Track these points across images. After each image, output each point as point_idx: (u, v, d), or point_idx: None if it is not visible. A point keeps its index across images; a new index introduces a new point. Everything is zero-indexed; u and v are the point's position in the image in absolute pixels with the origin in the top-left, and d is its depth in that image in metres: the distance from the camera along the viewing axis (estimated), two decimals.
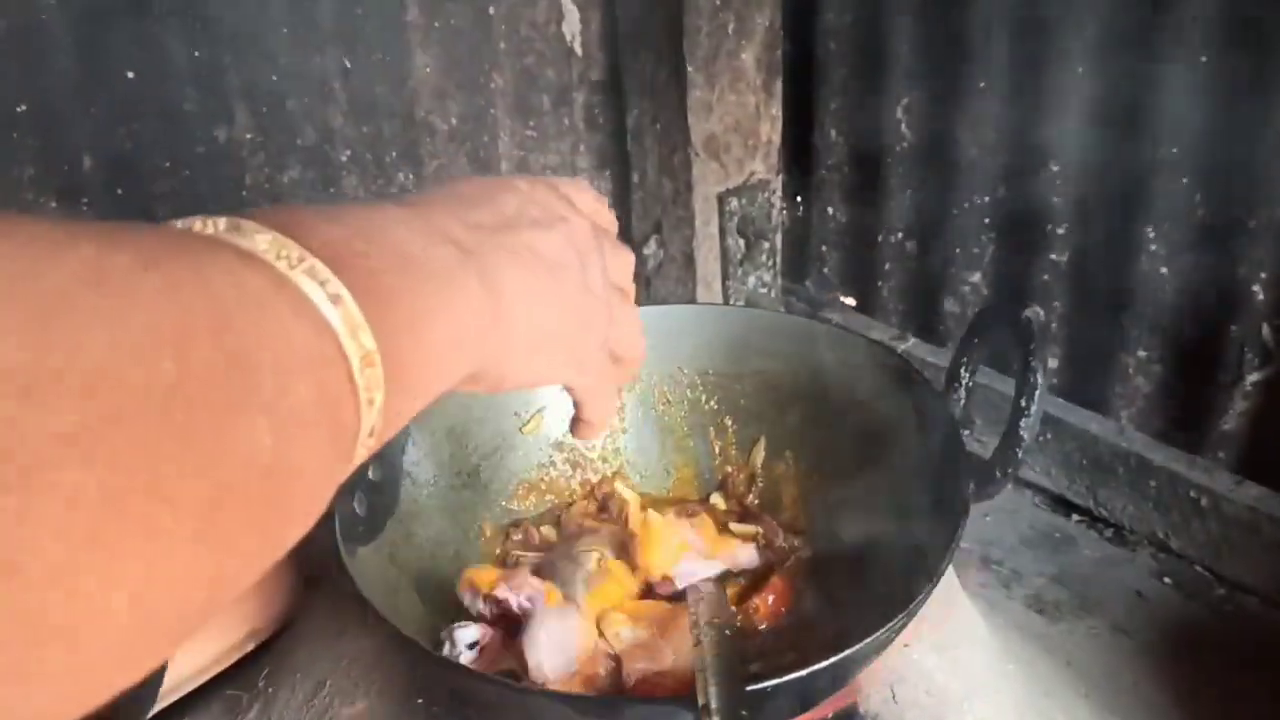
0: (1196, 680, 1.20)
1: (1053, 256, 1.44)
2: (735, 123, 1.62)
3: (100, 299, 0.32)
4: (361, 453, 0.43)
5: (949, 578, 1.08)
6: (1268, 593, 1.29)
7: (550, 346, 0.58)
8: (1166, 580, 1.34)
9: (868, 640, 0.74)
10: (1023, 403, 0.82)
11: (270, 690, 1.02)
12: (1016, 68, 1.40)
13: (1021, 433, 0.82)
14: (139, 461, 0.32)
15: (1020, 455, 0.82)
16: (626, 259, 0.68)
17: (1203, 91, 1.23)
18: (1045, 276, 1.46)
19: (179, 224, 0.41)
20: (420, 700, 0.92)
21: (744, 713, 0.66)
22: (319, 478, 0.40)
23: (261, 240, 0.40)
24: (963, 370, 0.93)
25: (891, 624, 0.75)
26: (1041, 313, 0.84)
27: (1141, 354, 1.39)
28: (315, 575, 1.11)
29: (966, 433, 0.92)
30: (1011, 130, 1.44)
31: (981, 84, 1.44)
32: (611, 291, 0.64)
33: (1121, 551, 1.39)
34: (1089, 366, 1.46)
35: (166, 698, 1.11)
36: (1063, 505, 1.47)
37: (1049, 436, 1.46)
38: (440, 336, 0.47)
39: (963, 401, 0.93)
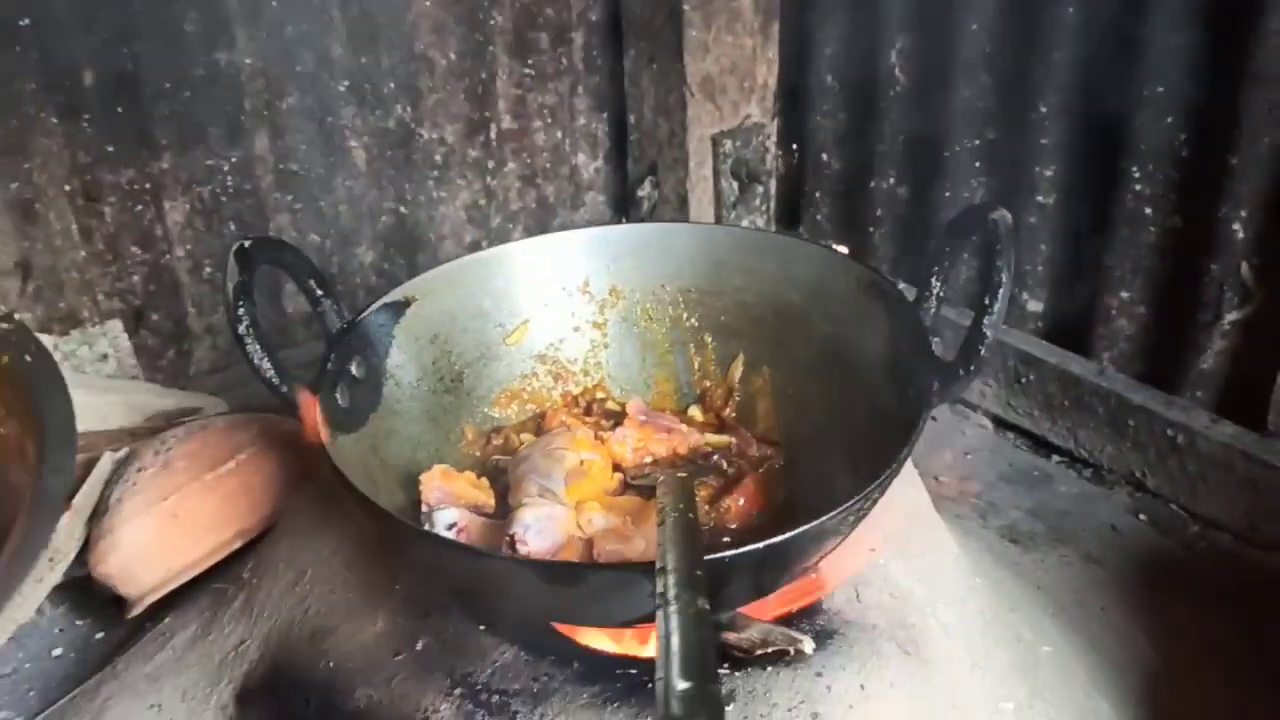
0: (1166, 610, 1.22)
1: (1039, 199, 1.45)
2: (731, 64, 1.64)
3: None
4: None
5: (919, 496, 1.10)
6: (1240, 529, 1.31)
7: None
8: (1141, 517, 1.36)
9: (820, 520, 0.76)
10: (986, 300, 0.84)
11: (254, 581, 1.05)
12: (1007, 9, 1.42)
13: (985, 330, 0.84)
14: None
15: (984, 352, 0.84)
16: None
17: (1189, 29, 1.25)
18: (1032, 219, 1.47)
19: None
20: (397, 587, 0.95)
21: (699, 573, 0.68)
22: None
23: None
24: (934, 279, 0.95)
25: (845, 507, 0.78)
26: (1009, 216, 0.86)
27: (1124, 295, 1.40)
28: (301, 477, 1.14)
29: (936, 340, 0.94)
30: (1001, 72, 1.45)
31: (974, 26, 1.45)
32: None
33: (1099, 489, 1.41)
34: (1073, 308, 1.48)
35: (156, 592, 1.14)
36: (1044, 446, 1.49)
37: (1031, 378, 1.48)
38: None
39: (934, 310, 0.95)
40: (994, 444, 1.52)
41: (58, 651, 1.21)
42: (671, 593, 0.66)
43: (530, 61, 1.68)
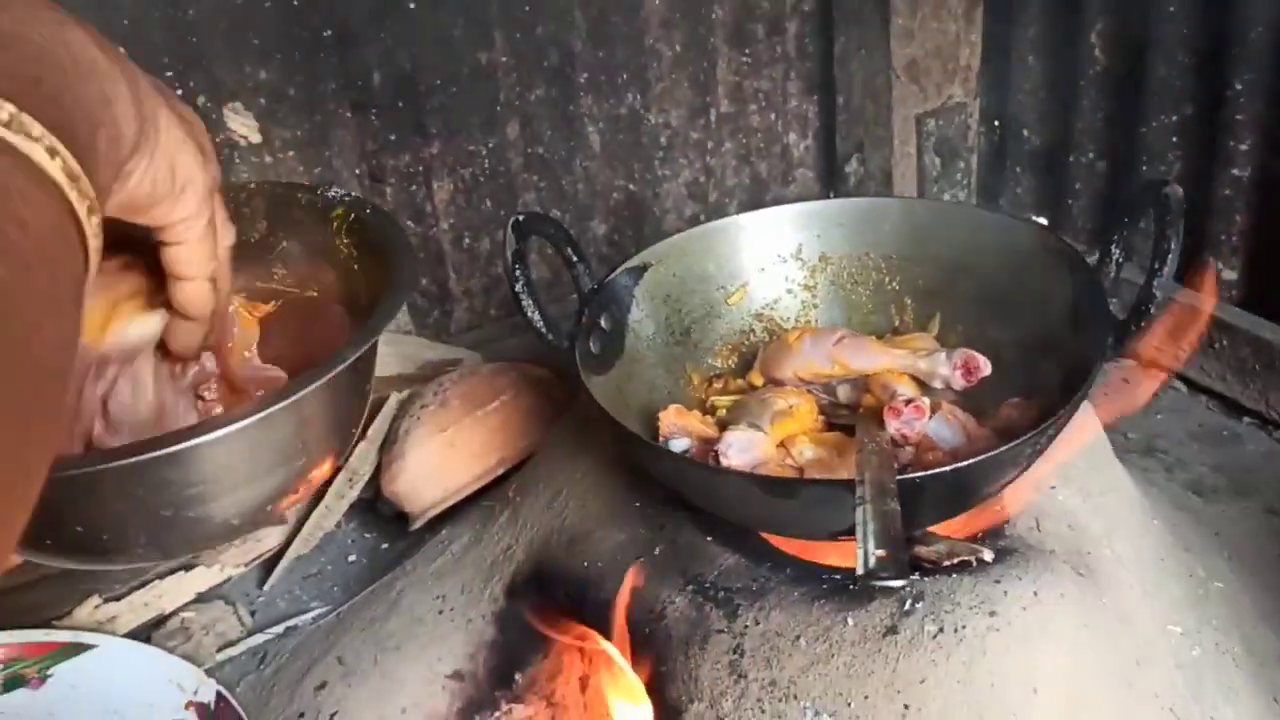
0: None
1: (1235, 172, 1.52)
2: (936, 48, 1.76)
3: None
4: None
5: (1102, 444, 1.21)
6: None
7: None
8: None
9: (999, 449, 0.90)
10: (1156, 265, 0.95)
11: (518, 500, 1.26)
12: None
13: (1155, 291, 0.95)
14: None
15: (1153, 311, 0.96)
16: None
17: None
18: (1227, 191, 1.54)
19: None
20: (637, 504, 1.13)
21: (892, 485, 0.84)
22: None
23: None
24: (1113, 246, 1.06)
25: (1022, 439, 0.91)
26: (1180, 190, 0.97)
27: None
28: (553, 415, 1.35)
29: (1114, 301, 1.05)
30: (1197, 52, 1.52)
31: (1171, 8, 1.53)
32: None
33: None
34: (1267, 276, 1.54)
35: (436, 508, 1.37)
36: (1235, 408, 1.56)
37: (1224, 343, 1.55)
38: (110, 140, 0.50)
39: (1112, 274, 1.06)
40: (1186, 405, 1.59)
41: (352, 558, 1.46)
42: (869, 495, 0.82)
43: (747, 51, 1.84)
